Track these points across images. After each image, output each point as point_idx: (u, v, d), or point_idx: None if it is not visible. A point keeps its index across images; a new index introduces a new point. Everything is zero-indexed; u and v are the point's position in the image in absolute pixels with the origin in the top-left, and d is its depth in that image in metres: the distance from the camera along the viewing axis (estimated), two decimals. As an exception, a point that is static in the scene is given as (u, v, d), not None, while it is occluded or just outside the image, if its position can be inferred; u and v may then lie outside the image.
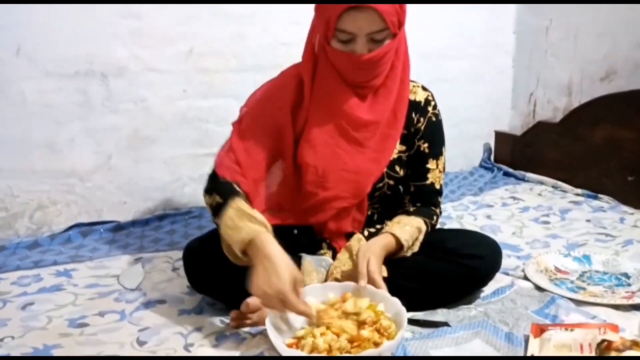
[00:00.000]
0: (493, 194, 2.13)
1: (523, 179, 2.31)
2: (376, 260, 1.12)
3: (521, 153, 2.41)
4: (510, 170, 2.39)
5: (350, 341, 0.97)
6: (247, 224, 1.04)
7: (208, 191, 1.16)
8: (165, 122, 1.90)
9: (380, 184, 1.24)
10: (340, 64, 1.15)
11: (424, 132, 1.27)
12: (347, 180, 1.19)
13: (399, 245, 1.17)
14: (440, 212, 1.31)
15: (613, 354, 0.94)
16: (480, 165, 2.51)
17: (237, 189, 1.12)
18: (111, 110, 1.81)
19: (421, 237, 1.21)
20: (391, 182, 1.25)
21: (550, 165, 2.26)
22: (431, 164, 1.27)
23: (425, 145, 1.27)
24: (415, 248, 1.21)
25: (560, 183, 2.17)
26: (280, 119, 1.20)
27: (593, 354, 0.94)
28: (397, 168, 1.25)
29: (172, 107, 1.90)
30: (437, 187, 1.29)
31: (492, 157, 2.54)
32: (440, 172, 1.29)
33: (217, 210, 1.11)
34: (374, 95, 1.20)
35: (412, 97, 1.27)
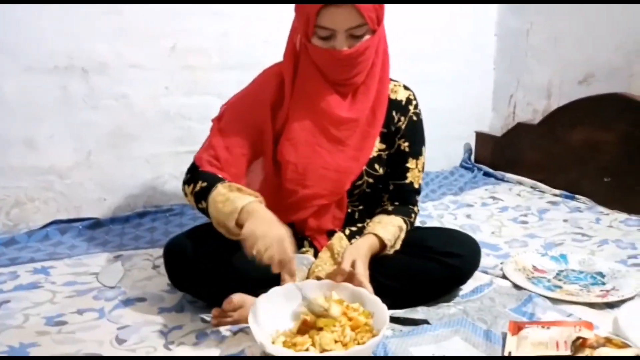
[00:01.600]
0: (473, 194, 2.16)
1: (502, 179, 2.34)
2: (362, 263, 1.13)
3: (501, 154, 2.44)
4: (490, 170, 2.42)
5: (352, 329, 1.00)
6: (239, 195, 1.06)
7: (189, 181, 1.16)
8: (147, 119, 1.88)
9: (360, 182, 1.25)
10: (322, 61, 1.16)
11: (404, 131, 1.28)
12: (327, 178, 1.20)
13: (382, 244, 1.19)
14: (418, 211, 1.33)
15: (587, 351, 0.96)
16: (461, 165, 2.54)
17: (221, 177, 1.13)
18: (92, 106, 1.79)
19: (402, 235, 1.23)
20: (370, 180, 1.26)
21: (529, 166, 2.30)
22: (411, 164, 1.29)
23: (406, 144, 1.28)
24: (397, 246, 1.22)
25: (538, 184, 2.21)
26: (260, 116, 1.21)
27: (568, 351, 0.95)
28: (377, 166, 1.26)
29: (154, 104, 1.88)
30: (416, 186, 1.30)
31: (472, 158, 2.57)
32: (419, 171, 1.30)
33: (201, 195, 1.10)
34: (354, 94, 1.21)
35: (393, 95, 1.28)
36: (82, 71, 1.76)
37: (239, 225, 1.04)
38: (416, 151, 1.29)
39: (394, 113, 1.27)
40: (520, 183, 2.27)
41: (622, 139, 1.93)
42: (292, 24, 1.21)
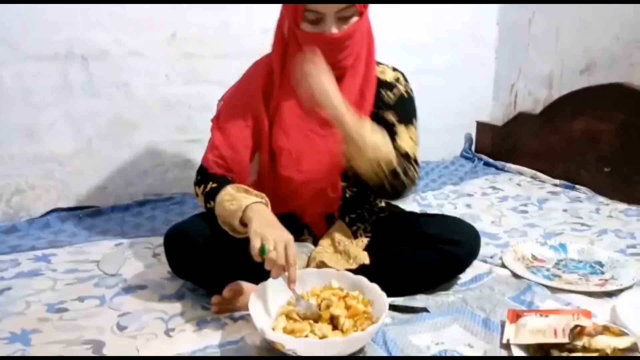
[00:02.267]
0: (473, 184, 2.16)
1: (503, 169, 2.34)
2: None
3: (501, 144, 2.44)
4: (491, 160, 2.42)
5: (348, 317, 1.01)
6: (245, 196, 1.09)
7: (200, 182, 1.19)
8: (147, 107, 1.88)
9: None
10: (312, 46, 1.14)
11: (392, 105, 1.26)
12: (321, 162, 1.21)
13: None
14: (416, 176, 1.22)
15: (585, 338, 0.96)
16: (461, 155, 2.54)
17: (230, 179, 1.16)
18: (92, 94, 1.78)
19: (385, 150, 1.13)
20: None
21: (530, 156, 2.30)
22: (399, 129, 1.22)
23: (390, 114, 1.24)
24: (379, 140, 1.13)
25: (538, 174, 2.21)
26: (254, 107, 1.22)
27: (566, 339, 0.96)
28: None
29: (154, 93, 1.87)
30: (411, 154, 1.21)
31: (473, 147, 2.56)
32: (413, 141, 1.24)
33: (210, 195, 1.13)
34: (341, 77, 1.20)
35: (381, 76, 1.28)
36: (82, 59, 1.75)
37: (243, 223, 1.06)
38: (404, 119, 1.24)
39: (382, 91, 1.27)
40: (520, 173, 2.27)
41: (623, 129, 1.93)
42: (280, 12, 1.22)
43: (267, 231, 1.00)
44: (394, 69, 1.32)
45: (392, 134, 1.20)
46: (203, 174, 1.20)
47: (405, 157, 1.20)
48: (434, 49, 2.34)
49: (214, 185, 1.15)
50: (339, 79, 1.18)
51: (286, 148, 1.20)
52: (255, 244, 0.99)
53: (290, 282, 1.01)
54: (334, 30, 1.13)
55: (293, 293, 1.04)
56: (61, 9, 1.68)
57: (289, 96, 1.20)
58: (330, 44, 1.14)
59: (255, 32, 1.93)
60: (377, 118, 1.24)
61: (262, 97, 1.22)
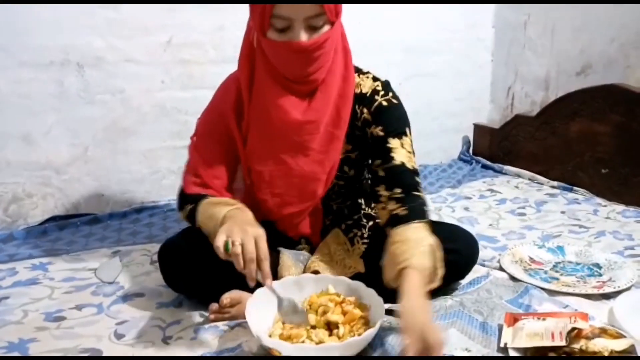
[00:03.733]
0: (471, 187, 2.16)
1: (501, 172, 2.34)
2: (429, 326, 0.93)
3: (499, 146, 2.44)
4: (489, 163, 2.42)
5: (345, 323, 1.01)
6: (221, 208, 1.06)
7: (181, 206, 1.18)
8: (144, 113, 1.88)
9: (330, 185, 1.20)
10: (279, 56, 1.08)
11: (372, 118, 1.16)
12: (293, 184, 1.16)
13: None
14: (425, 195, 1.15)
15: (582, 341, 0.96)
16: (459, 158, 2.54)
17: (204, 194, 1.13)
18: (88, 101, 1.79)
19: (438, 254, 1.04)
20: (341, 183, 1.23)
21: (527, 158, 2.30)
22: (392, 143, 1.14)
23: (378, 128, 1.15)
24: (440, 272, 1.04)
25: (536, 176, 2.21)
26: (226, 125, 1.18)
27: (563, 342, 0.96)
28: (346, 168, 1.21)
29: (150, 99, 1.88)
30: (410, 167, 1.13)
31: (470, 150, 2.57)
32: (409, 152, 1.15)
33: (192, 217, 1.12)
34: (314, 94, 1.13)
35: (357, 89, 1.18)
36: (78, 66, 1.75)
37: None
38: (396, 131, 1.15)
39: (357, 107, 1.17)
40: (518, 175, 2.27)
41: (620, 131, 1.93)
42: (247, 24, 1.16)
43: (234, 229, 0.96)
44: (375, 78, 1.20)
45: (386, 151, 1.13)
46: (182, 198, 1.18)
47: (407, 172, 1.13)
48: (430, 52, 2.35)
49: (191, 206, 1.12)
50: (311, 94, 1.12)
51: (258, 170, 1.17)
52: (218, 241, 0.95)
53: (264, 277, 0.97)
54: (303, 38, 1.04)
55: (269, 289, 1.01)
56: (56, 16, 1.69)
57: (257, 119, 1.15)
58: (300, 53, 1.05)
59: (251, 38, 1.94)
60: (352, 138, 1.18)
61: (233, 114, 1.17)
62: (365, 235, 1.26)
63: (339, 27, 1.11)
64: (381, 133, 1.15)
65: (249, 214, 1.06)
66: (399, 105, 1.19)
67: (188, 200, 1.15)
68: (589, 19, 2.09)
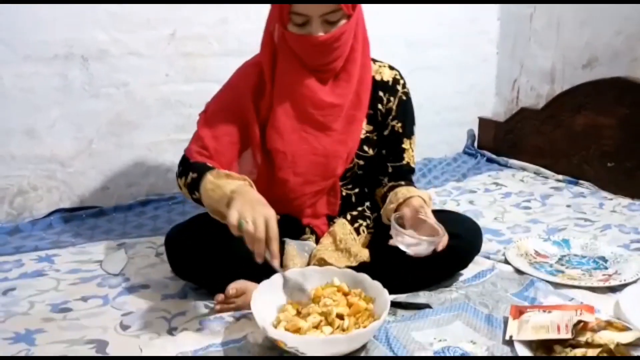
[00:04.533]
0: (476, 180, 2.15)
1: (506, 165, 2.33)
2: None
3: (504, 139, 2.43)
4: (493, 156, 2.41)
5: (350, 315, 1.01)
6: (228, 181, 1.06)
7: (181, 174, 1.16)
8: (147, 106, 1.88)
9: (351, 164, 1.25)
10: (298, 47, 1.15)
11: (396, 111, 1.27)
12: (316, 163, 1.20)
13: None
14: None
15: (588, 334, 0.96)
16: (464, 152, 2.53)
17: (211, 165, 1.13)
18: (92, 94, 1.79)
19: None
20: (361, 162, 1.26)
21: (533, 151, 2.29)
22: (405, 144, 1.29)
23: (399, 125, 1.28)
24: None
25: (542, 169, 2.20)
26: (243, 107, 1.21)
27: (569, 335, 0.96)
28: (366, 148, 1.26)
29: (154, 92, 1.88)
30: (412, 165, 1.31)
31: (475, 144, 2.56)
32: (412, 151, 1.31)
33: (193, 186, 1.11)
34: (335, 80, 1.20)
35: (378, 77, 1.27)
36: (82, 59, 1.75)
37: None
38: (409, 131, 1.30)
39: (381, 94, 1.26)
40: (523, 169, 2.26)
41: (626, 124, 1.92)
42: (268, 13, 1.21)
43: (246, 208, 0.98)
44: (391, 67, 1.30)
45: (400, 151, 1.28)
46: (184, 165, 1.17)
47: (409, 171, 1.30)
48: (435, 45, 2.34)
49: (194, 175, 1.11)
50: (333, 79, 1.19)
51: (281, 150, 1.19)
52: (232, 218, 0.97)
53: (272, 257, 0.99)
54: (320, 33, 1.11)
55: (276, 270, 1.02)
56: (60, 10, 1.68)
57: (282, 98, 1.20)
58: (316, 47, 1.13)
59: (254, 30, 1.91)
60: (374, 120, 1.26)
61: (251, 97, 1.21)
62: (371, 225, 1.27)
63: (356, 18, 1.16)
64: (400, 130, 1.28)
65: (255, 193, 1.05)
66: (411, 100, 1.31)
67: (192, 169, 1.13)
68: (595, 12, 2.07)
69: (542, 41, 2.31)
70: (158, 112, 1.89)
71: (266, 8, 1.89)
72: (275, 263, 0.99)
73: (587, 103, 2.05)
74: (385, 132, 1.28)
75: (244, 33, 1.93)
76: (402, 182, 1.27)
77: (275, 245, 0.98)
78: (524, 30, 2.37)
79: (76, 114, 1.78)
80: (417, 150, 1.33)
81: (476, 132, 2.57)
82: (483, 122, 2.54)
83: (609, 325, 0.98)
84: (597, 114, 2.01)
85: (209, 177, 1.08)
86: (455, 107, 2.46)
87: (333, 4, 1.09)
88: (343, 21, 1.13)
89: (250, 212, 0.97)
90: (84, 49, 1.74)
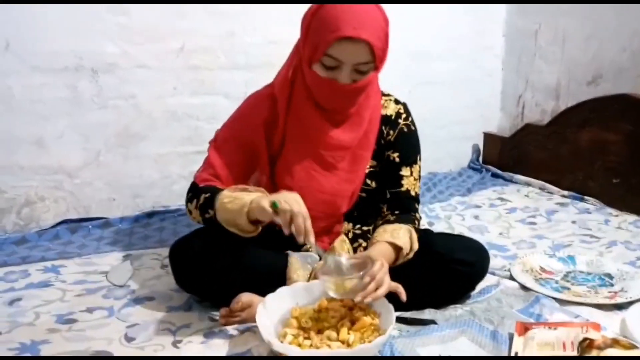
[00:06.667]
0: (481, 195, 2.15)
1: (511, 181, 2.33)
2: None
3: (509, 155, 2.43)
4: (499, 171, 2.42)
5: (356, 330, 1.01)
6: (245, 193, 1.09)
7: (192, 198, 1.18)
8: (155, 119, 1.89)
9: (354, 202, 1.26)
10: (320, 90, 1.16)
11: (394, 143, 1.27)
12: (323, 201, 1.21)
13: (397, 251, 1.16)
14: (420, 218, 1.29)
15: (594, 352, 0.95)
16: (469, 166, 2.53)
17: (222, 187, 1.15)
18: (100, 106, 1.80)
19: (415, 236, 1.20)
20: (364, 195, 1.27)
21: (538, 167, 2.29)
22: (405, 171, 1.27)
23: (395, 154, 1.27)
24: (415, 247, 1.19)
25: (547, 185, 2.20)
26: (254, 137, 1.22)
27: (575, 352, 0.95)
28: (369, 181, 1.27)
29: (162, 104, 1.89)
30: (413, 193, 1.28)
31: (480, 159, 2.56)
32: (415, 179, 1.28)
33: (206, 204, 1.13)
34: (347, 122, 1.21)
35: (383, 111, 1.28)
36: (92, 71, 1.77)
37: (250, 220, 1.07)
38: (409, 160, 1.28)
39: (383, 128, 1.27)
40: (528, 184, 2.26)
41: (631, 140, 1.92)
42: (295, 45, 1.21)
43: (275, 196, 1.05)
44: (397, 101, 1.31)
45: (398, 178, 1.26)
46: (194, 190, 1.19)
47: (410, 199, 1.27)
48: (440, 60, 2.35)
49: (207, 195, 1.14)
50: (344, 120, 1.20)
51: (289, 185, 1.19)
52: (264, 203, 1.02)
53: (307, 234, 1.03)
54: (347, 81, 1.12)
55: (309, 244, 1.05)
56: (70, 21, 1.71)
57: (295, 136, 1.21)
58: (341, 93, 1.14)
59: (262, 44, 1.95)
60: (378, 155, 1.26)
61: (263, 130, 1.22)
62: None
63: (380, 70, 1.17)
64: (397, 160, 1.27)
65: None
66: (415, 132, 1.31)
67: (203, 191, 1.16)
68: (600, 28, 2.09)
69: (547, 57, 2.32)
70: (165, 124, 1.91)
71: (273, 22, 1.94)
72: (311, 239, 1.03)
73: (592, 119, 2.05)
74: (382, 163, 1.28)
75: (251, 47, 1.95)
76: (397, 212, 1.24)
77: (309, 223, 1.02)
78: (529, 46, 2.39)
79: (84, 125, 1.79)
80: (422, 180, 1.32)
81: (481, 147, 2.57)
82: (488, 137, 2.55)
83: (615, 343, 0.98)
84: (602, 130, 2.01)
85: (225, 192, 1.11)
86: (460, 121, 2.47)
87: (370, 55, 1.10)
88: (371, 72, 1.14)
89: (281, 196, 1.04)
90: (93, 61, 1.76)
